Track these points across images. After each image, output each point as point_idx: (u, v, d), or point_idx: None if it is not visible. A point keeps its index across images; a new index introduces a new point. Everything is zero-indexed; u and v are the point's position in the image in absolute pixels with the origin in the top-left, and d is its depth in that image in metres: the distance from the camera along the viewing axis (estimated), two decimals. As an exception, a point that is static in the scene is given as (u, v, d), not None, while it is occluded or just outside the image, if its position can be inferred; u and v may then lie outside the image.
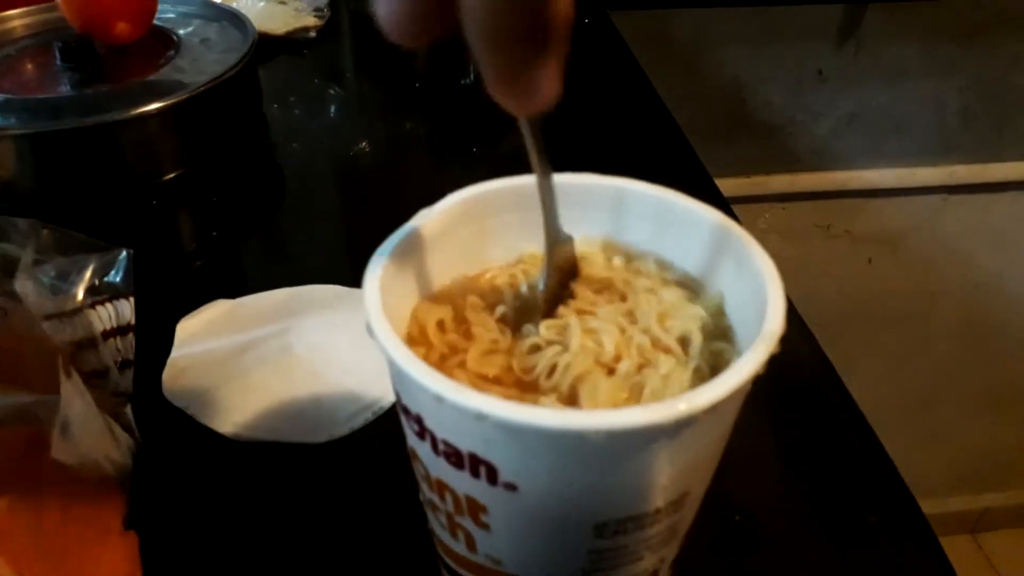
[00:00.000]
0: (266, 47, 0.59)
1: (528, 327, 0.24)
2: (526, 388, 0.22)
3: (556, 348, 0.23)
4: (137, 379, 0.34)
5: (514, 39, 0.17)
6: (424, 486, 0.23)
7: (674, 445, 0.19)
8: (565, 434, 0.18)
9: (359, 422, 0.34)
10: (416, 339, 0.23)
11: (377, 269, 0.22)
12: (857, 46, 0.91)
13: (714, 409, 0.18)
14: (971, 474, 1.31)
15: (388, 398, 0.35)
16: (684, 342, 0.23)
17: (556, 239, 0.24)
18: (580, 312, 0.24)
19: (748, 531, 0.31)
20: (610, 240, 0.27)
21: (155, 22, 0.56)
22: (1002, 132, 1.00)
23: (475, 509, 0.21)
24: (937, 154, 1.01)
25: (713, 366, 0.23)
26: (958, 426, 1.24)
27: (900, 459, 0.34)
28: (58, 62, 0.52)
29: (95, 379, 0.31)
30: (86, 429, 0.24)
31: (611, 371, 0.22)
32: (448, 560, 0.25)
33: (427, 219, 0.24)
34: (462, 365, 0.23)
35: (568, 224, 0.24)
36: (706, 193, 0.25)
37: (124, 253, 0.34)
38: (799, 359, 0.38)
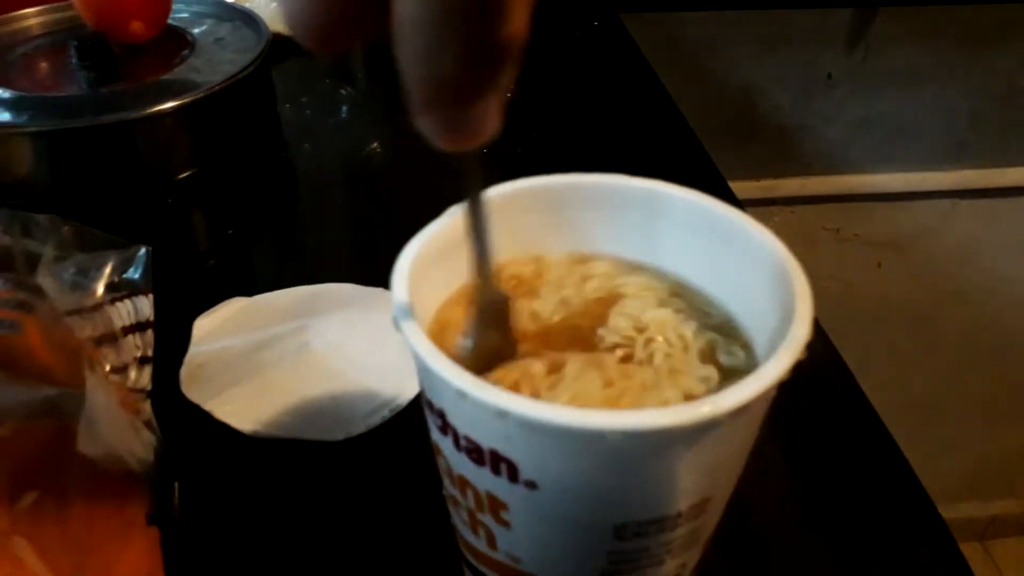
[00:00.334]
0: (278, 48, 0.59)
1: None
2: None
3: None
4: (155, 376, 0.34)
5: (450, 63, 0.14)
6: (447, 481, 0.23)
7: (696, 449, 0.19)
8: (585, 433, 0.18)
9: (376, 420, 0.34)
10: (440, 334, 0.23)
11: (406, 263, 0.22)
12: (866, 50, 0.91)
13: (738, 413, 0.18)
14: (980, 481, 1.30)
15: (405, 396, 0.35)
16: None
17: (485, 282, 0.21)
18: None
19: (764, 534, 0.31)
20: (632, 261, 0.26)
21: (169, 22, 0.56)
22: (1012, 137, 0.99)
23: (496, 506, 0.21)
24: (947, 159, 1.00)
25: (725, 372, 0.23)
26: (967, 432, 1.24)
27: (908, 465, 0.34)
28: (74, 60, 0.52)
29: (114, 375, 0.31)
30: (110, 423, 0.24)
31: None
32: (469, 556, 0.25)
33: (456, 216, 0.24)
34: None
35: (594, 227, 0.24)
36: (721, 196, 0.24)
37: (143, 250, 0.34)
38: (816, 361, 0.38)
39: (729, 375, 0.23)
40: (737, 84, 0.92)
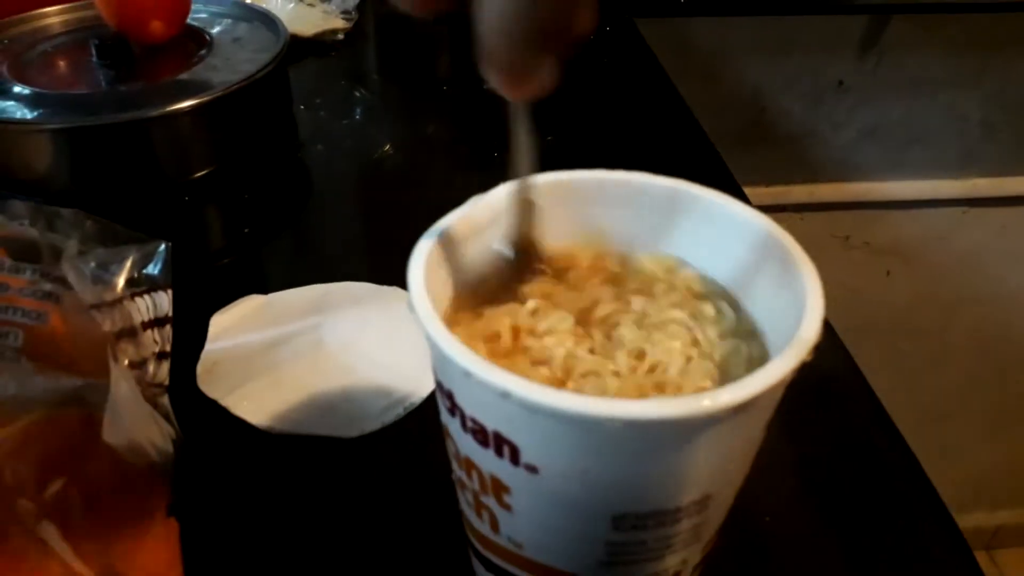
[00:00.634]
0: (294, 49, 0.60)
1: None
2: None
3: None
4: (172, 372, 0.35)
5: (525, 26, 0.17)
6: (454, 464, 0.23)
7: (696, 443, 0.19)
8: (584, 419, 0.18)
9: (390, 417, 0.34)
10: (455, 320, 0.24)
11: (424, 248, 0.22)
12: (879, 58, 0.91)
13: (739, 409, 0.18)
14: (986, 489, 1.30)
15: (419, 394, 0.35)
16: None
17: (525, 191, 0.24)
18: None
19: (777, 538, 0.31)
20: (652, 250, 0.27)
21: (188, 21, 0.57)
22: (1023, 146, 0.99)
23: (499, 489, 0.21)
24: (957, 167, 1.00)
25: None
26: (973, 441, 1.23)
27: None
28: (94, 59, 0.53)
29: (134, 370, 0.32)
30: (133, 414, 0.24)
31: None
32: (474, 541, 0.25)
33: (477, 206, 0.24)
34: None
35: (610, 221, 0.25)
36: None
37: (163, 246, 0.34)
38: (828, 367, 0.38)
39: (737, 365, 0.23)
40: (748, 90, 0.92)
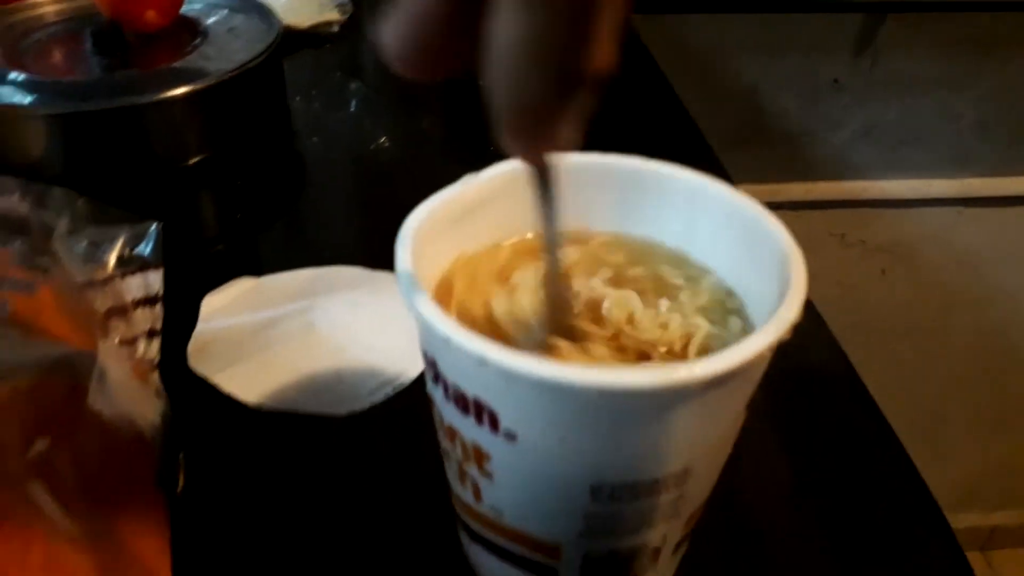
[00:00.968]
0: (290, 40, 0.60)
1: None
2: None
3: None
4: (162, 351, 0.35)
5: (538, 89, 0.15)
6: (440, 434, 0.23)
7: (672, 414, 0.19)
8: (558, 386, 0.18)
9: (379, 397, 0.34)
10: (447, 294, 0.24)
11: (414, 221, 0.23)
12: (874, 57, 0.92)
13: (715, 382, 0.18)
14: (982, 490, 1.30)
15: (408, 375, 0.35)
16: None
17: (558, 290, 0.23)
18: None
19: (769, 536, 0.31)
20: (642, 237, 0.27)
21: (183, 11, 0.57)
22: (1019, 145, 0.99)
23: (480, 457, 0.22)
24: (953, 166, 1.01)
25: None
26: (969, 442, 1.23)
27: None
28: (88, 47, 0.53)
29: (124, 347, 0.32)
30: (121, 386, 0.24)
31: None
32: (459, 511, 0.25)
33: (471, 184, 0.25)
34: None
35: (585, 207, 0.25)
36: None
37: (154, 225, 0.34)
38: (822, 365, 0.38)
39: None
40: (744, 88, 0.92)
